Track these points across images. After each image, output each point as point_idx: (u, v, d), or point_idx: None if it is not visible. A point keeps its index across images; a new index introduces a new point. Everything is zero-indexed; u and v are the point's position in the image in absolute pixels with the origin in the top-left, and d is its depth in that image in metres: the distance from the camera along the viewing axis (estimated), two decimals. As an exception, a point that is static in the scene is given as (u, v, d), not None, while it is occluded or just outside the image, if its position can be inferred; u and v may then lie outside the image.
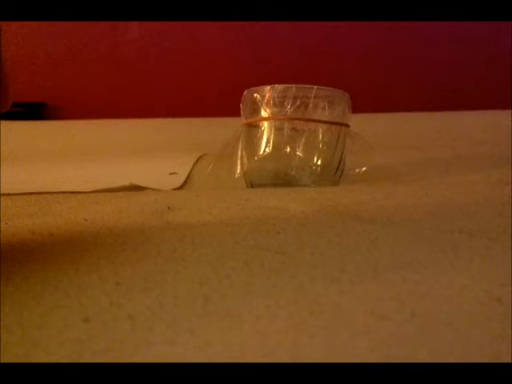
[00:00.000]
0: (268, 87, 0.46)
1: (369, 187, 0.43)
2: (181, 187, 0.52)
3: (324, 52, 1.25)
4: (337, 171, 0.47)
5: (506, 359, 0.16)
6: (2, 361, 0.16)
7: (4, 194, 0.42)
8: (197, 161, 0.63)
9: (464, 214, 0.31)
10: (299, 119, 0.45)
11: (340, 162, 0.47)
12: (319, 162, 0.46)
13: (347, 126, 0.47)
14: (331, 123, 0.46)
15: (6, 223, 0.32)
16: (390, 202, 0.35)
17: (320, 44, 1.25)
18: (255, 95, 0.46)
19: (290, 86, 0.45)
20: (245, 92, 0.48)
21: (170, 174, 0.57)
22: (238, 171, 0.48)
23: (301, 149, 0.45)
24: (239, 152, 0.48)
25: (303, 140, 0.44)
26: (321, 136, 0.46)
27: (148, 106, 1.27)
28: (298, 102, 0.45)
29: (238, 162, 0.48)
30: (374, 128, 0.62)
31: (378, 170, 0.51)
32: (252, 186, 0.47)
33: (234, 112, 0.51)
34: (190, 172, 0.58)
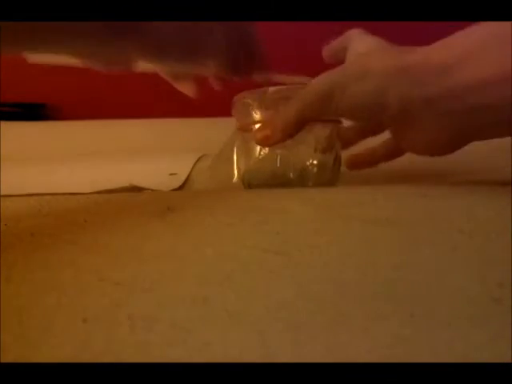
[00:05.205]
0: (258, 90, 0.46)
1: (369, 187, 0.43)
2: (180, 187, 0.52)
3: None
4: (333, 170, 0.47)
5: (505, 360, 0.16)
6: (2, 361, 0.16)
7: (3, 196, 0.42)
8: (197, 161, 0.63)
9: (464, 214, 0.31)
10: None
11: (335, 160, 0.46)
12: (315, 162, 0.46)
13: (340, 122, 0.47)
14: (324, 121, 0.45)
15: (6, 224, 0.32)
16: (390, 202, 0.35)
17: (320, 44, 1.25)
18: (246, 100, 0.46)
19: (280, 87, 0.45)
20: (235, 97, 0.48)
21: (170, 174, 0.57)
22: (235, 176, 0.48)
23: (296, 149, 0.45)
24: (235, 156, 0.48)
25: (298, 140, 0.44)
26: (315, 135, 0.45)
27: (148, 106, 1.27)
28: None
29: (235, 166, 0.48)
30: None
31: (377, 169, 0.51)
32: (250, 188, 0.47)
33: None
34: (190, 172, 0.58)
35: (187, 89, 0.52)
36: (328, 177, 0.46)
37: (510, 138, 0.36)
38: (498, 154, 0.51)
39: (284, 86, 0.45)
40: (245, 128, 0.47)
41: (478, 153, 0.39)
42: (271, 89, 0.45)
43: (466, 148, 0.38)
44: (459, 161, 0.41)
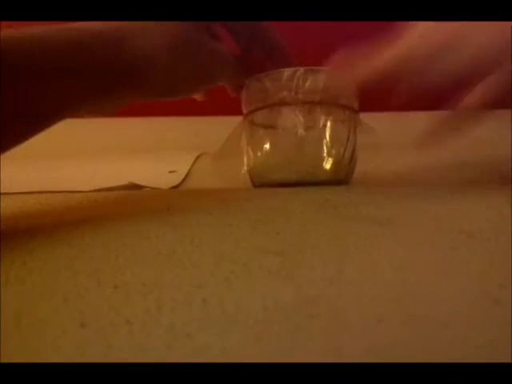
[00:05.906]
0: (275, 72, 0.42)
1: (369, 187, 0.43)
2: (179, 185, 0.52)
3: (325, 52, 1.25)
4: (349, 166, 0.44)
5: (505, 360, 0.16)
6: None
7: (3, 194, 0.42)
8: (196, 159, 0.63)
9: (464, 214, 0.31)
10: (311, 102, 0.41)
11: (351, 156, 0.44)
12: (331, 156, 0.43)
13: (356, 112, 0.44)
14: (344, 107, 0.42)
15: (5, 224, 0.32)
16: (390, 202, 0.35)
17: (321, 44, 1.25)
18: (259, 82, 0.43)
19: (297, 68, 0.41)
20: (248, 80, 0.44)
21: (170, 172, 0.57)
22: (245, 168, 0.45)
23: (310, 143, 0.42)
24: (243, 147, 0.45)
25: (312, 133, 0.41)
26: (333, 126, 0.42)
27: (148, 106, 1.27)
28: (309, 83, 0.41)
29: (244, 157, 0.45)
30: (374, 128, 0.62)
31: (378, 169, 0.51)
32: (259, 184, 0.45)
33: (234, 111, 0.50)
34: (189, 170, 0.58)
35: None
36: (343, 173, 0.44)
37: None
38: (499, 153, 0.50)
39: (301, 68, 0.41)
40: (258, 112, 0.43)
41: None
42: (288, 70, 0.42)
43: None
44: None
